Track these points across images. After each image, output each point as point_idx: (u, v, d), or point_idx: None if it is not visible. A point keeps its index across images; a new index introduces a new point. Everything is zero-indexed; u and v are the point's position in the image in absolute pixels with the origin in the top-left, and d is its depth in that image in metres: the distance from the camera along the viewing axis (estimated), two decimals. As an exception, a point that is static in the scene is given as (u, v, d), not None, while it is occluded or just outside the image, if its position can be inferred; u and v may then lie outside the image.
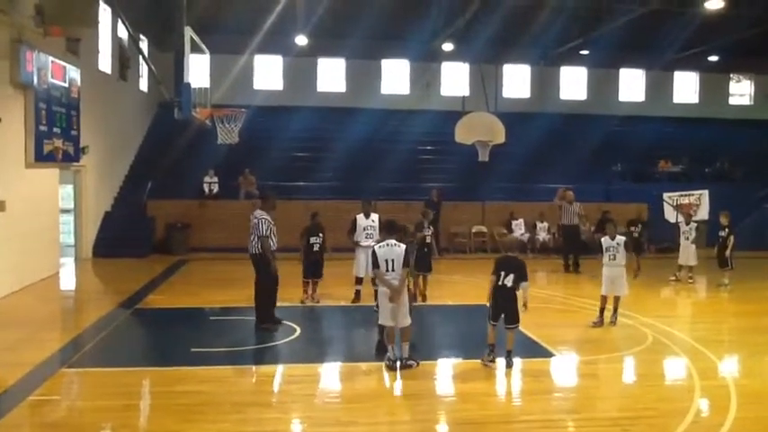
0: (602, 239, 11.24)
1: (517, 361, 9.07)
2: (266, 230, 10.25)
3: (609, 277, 11.07)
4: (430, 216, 13.23)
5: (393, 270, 8.48)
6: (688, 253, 15.68)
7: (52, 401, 7.43)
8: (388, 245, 8.61)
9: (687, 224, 15.92)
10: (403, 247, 8.67)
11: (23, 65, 12.99)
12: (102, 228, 19.50)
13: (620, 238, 11.11)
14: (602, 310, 11.09)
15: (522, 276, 8.68)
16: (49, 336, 10.45)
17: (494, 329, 8.70)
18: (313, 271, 12.59)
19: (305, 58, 27.11)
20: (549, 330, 10.65)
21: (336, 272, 13.54)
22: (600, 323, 11.00)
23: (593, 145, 25.82)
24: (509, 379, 8.47)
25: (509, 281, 8.62)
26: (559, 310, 12.20)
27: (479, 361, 8.70)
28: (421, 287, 12.63)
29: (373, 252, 8.66)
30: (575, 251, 17.41)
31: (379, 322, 8.64)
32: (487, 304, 8.82)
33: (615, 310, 11.19)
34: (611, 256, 11.04)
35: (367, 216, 12.59)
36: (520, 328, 10.50)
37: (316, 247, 12.44)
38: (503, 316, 8.67)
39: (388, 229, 8.94)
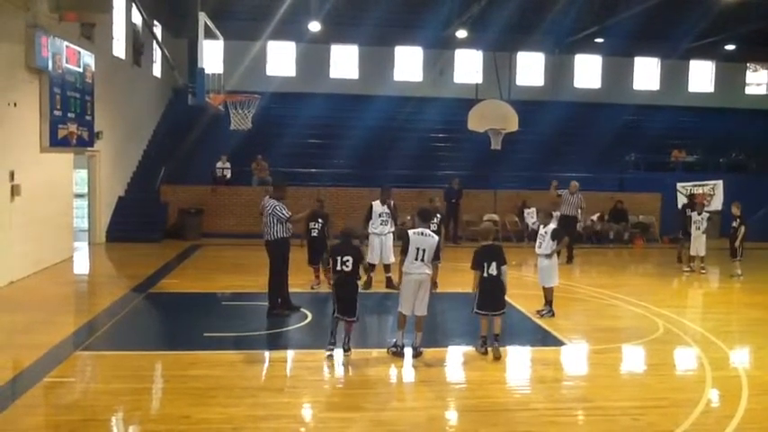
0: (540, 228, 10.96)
1: (527, 349, 9.10)
2: (286, 212, 10.32)
3: (538, 267, 10.89)
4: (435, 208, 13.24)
5: (422, 260, 8.38)
6: (698, 243, 15.59)
7: (67, 383, 7.52)
8: (423, 233, 8.49)
9: (699, 214, 15.79)
10: (436, 238, 8.61)
11: (38, 50, 13.04)
12: (115, 213, 19.62)
13: (550, 227, 10.72)
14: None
15: (503, 261, 8.63)
16: (64, 319, 10.55)
17: (486, 319, 8.67)
18: (312, 257, 12.58)
19: (318, 45, 27.07)
20: (559, 319, 10.64)
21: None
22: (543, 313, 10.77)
23: (607, 134, 25.68)
24: (519, 367, 8.49)
25: (493, 269, 8.58)
26: (569, 299, 12.18)
27: (473, 349, 8.75)
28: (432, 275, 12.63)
29: (406, 235, 8.52)
30: (571, 242, 17.11)
31: (399, 309, 8.61)
32: (474, 294, 8.67)
33: (547, 302, 10.78)
34: (539, 245, 10.81)
35: (383, 203, 12.64)
36: (530, 315, 10.58)
37: (313, 233, 12.45)
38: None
39: (424, 217, 8.86)
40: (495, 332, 8.59)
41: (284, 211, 10.31)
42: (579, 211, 16.85)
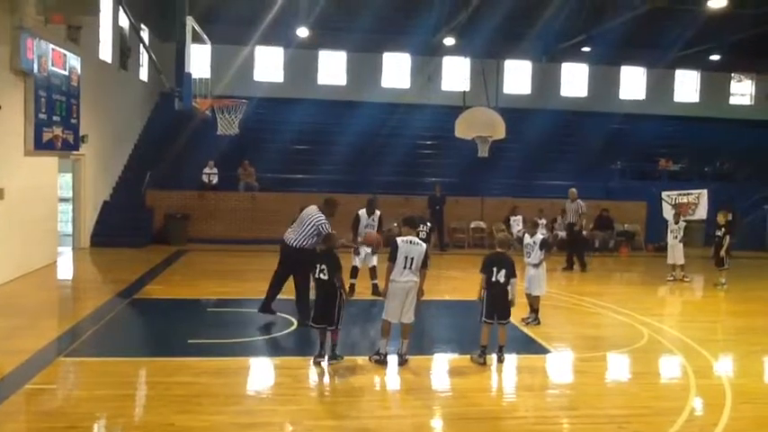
0: (525, 237, 11.02)
1: (512, 357, 9.08)
2: (327, 230, 9.92)
3: (526, 276, 10.87)
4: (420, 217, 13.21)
5: (410, 269, 8.37)
6: (675, 252, 15.63)
7: (49, 390, 7.43)
8: (411, 242, 8.47)
9: (676, 223, 15.82)
10: (424, 246, 8.61)
11: (24, 52, 12.94)
12: (100, 217, 19.47)
13: (538, 237, 10.80)
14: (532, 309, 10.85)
15: (512, 272, 8.68)
16: (47, 324, 10.46)
17: (489, 328, 8.69)
18: None
19: (306, 51, 27.05)
20: (545, 327, 10.66)
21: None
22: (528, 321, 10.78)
23: (594, 142, 25.82)
24: (504, 375, 8.50)
25: (501, 277, 8.62)
26: (556, 307, 12.22)
27: (470, 357, 8.74)
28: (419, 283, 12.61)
29: (394, 243, 8.46)
30: (577, 250, 17.17)
31: (384, 317, 8.58)
32: (479, 300, 8.76)
33: (533, 310, 10.82)
34: (527, 254, 10.86)
35: (370, 213, 12.59)
36: (515, 323, 10.59)
37: None
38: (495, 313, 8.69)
39: (411, 224, 8.88)
40: (500, 343, 8.65)
41: (326, 228, 9.93)
42: (578, 217, 16.94)
